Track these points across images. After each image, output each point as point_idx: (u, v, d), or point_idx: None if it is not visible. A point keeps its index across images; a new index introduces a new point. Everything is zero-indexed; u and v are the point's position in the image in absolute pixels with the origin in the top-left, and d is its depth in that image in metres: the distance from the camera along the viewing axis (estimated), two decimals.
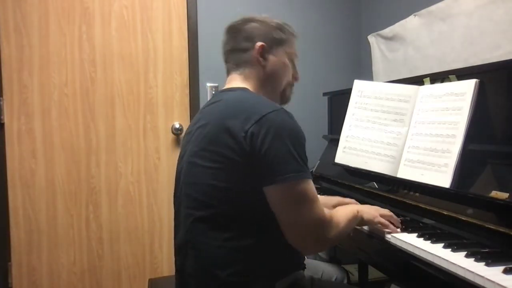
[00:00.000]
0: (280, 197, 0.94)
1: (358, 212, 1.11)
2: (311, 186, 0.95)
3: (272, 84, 1.15)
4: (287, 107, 1.14)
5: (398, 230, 1.15)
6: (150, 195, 2.29)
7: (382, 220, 1.14)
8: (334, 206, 1.45)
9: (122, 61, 2.22)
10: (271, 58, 1.13)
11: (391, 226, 1.14)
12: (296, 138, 0.95)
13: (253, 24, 1.14)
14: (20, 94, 2.08)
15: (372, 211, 1.16)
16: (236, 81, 1.13)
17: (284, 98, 1.21)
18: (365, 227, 1.23)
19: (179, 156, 1.14)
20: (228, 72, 1.18)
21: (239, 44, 1.13)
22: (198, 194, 1.00)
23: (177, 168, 1.14)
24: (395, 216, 1.18)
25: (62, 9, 2.13)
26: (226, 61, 1.18)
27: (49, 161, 2.13)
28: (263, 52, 1.12)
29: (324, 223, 0.96)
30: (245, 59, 1.13)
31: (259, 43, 1.11)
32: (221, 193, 0.97)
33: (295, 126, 0.97)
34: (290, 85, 1.21)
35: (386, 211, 1.18)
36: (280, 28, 1.15)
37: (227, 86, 1.15)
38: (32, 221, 2.11)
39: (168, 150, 2.32)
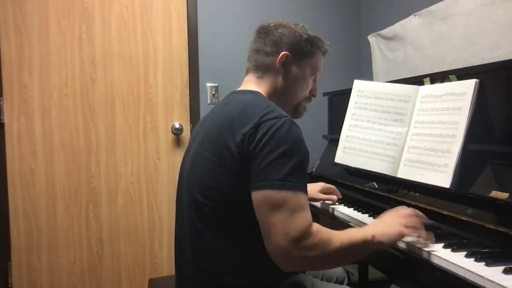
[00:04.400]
0: (259, 204, 0.89)
1: (373, 237, 0.93)
2: (297, 197, 0.88)
3: (287, 95, 1.13)
4: None
5: (440, 245, 0.99)
6: (150, 195, 2.29)
7: (408, 232, 0.98)
8: (320, 192, 1.49)
9: (122, 61, 2.22)
10: (293, 69, 1.11)
11: (421, 238, 0.98)
12: (293, 147, 0.90)
13: (285, 31, 1.11)
14: (20, 94, 2.08)
15: (394, 229, 0.97)
16: (251, 83, 1.12)
17: (296, 112, 1.18)
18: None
19: (185, 153, 1.15)
20: (247, 72, 1.16)
21: (266, 46, 1.11)
22: (198, 194, 0.99)
23: (181, 164, 1.14)
24: (423, 218, 1.02)
25: (62, 9, 2.13)
26: (248, 59, 1.16)
27: (49, 161, 2.13)
28: (286, 62, 1.10)
29: (302, 238, 0.85)
30: (267, 63, 1.11)
31: (284, 52, 1.09)
32: (220, 196, 0.96)
33: (296, 136, 0.92)
34: (306, 100, 1.19)
35: (410, 221, 0.99)
36: (310, 41, 1.13)
37: (241, 87, 1.14)
38: (32, 221, 2.11)
39: (168, 150, 2.32)
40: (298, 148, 0.91)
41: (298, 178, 0.90)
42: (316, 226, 0.89)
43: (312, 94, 1.20)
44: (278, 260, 0.88)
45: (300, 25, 1.15)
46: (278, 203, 0.86)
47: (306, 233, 0.86)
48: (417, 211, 1.04)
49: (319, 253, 0.87)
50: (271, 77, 1.11)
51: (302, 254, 0.86)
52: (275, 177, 0.88)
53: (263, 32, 1.13)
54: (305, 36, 1.12)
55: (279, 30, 1.11)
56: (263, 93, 1.09)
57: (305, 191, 0.91)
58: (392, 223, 0.99)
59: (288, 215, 0.86)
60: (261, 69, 1.12)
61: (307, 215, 0.89)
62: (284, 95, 1.13)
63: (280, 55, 1.09)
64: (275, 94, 1.12)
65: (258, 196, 0.89)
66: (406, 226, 0.98)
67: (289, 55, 1.10)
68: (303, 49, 1.12)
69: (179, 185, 1.12)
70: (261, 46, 1.12)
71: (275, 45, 1.10)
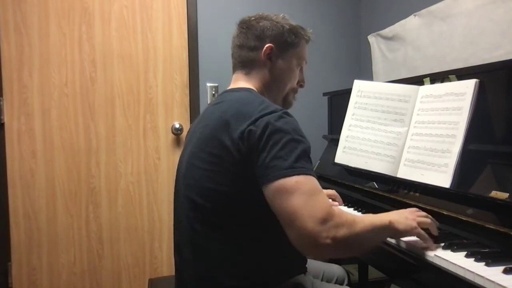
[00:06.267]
0: (273, 195, 0.86)
1: (390, 222, 0.94)
2: (310, 180, 0.87)
3: (276, 88, 1.13)
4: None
5: (440, 245, 0.99)
6: (150, 195, 2.29)
7: (422, 232, 0.98)
8: None
9: (122, 61, 2.22)
10: (279, 61, 1.11)
11: (430, 241, 0.99)
12: (294, 136, 0.90)
13: (266, 23, 1.10)
14: (20, 94, 2.08)
15: (409, 222, 0.97)
16: (241, 81, 1.12)
17: (286, 103, 1.18)
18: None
19: (180, 155, 1.14)
20: (234, 69, 1.15)
21: (249, 41, 1.10)
22: (196, 196, 0.99)
23: (177, 167, 1.14)
24: (433, 222, 1.03)
25: (62, 9, 2.13)
26: (233, 56, 1.15)
27: (49, 161, 2.13)
28: (271, 54, 1.09)
29: (328, 218, 0.82)
30: (252, 58, 1.10)
31: (268, 45, 1.08)
32: (219, 196, 0.95)
33: (295, 127, 0.93)
34: (294, 90, 1.18)
35: (423, 219, 1.01)
36: (293, 31, 1.12)
37: (232, 86, 1.13)
38: (32, 221, 2.11)
39: (168, 150, 2.32)
40: (299, 137, 0.91)
41: (305, 163, 0.89)
42: (337, 208, 0.88)
43: (300, 85, 1.20)
44: (306, 247, 0.85)
45: (281, 16, 1.14)
46: (292, 189, 0.84)
47: (330, 213, 0.83)
48: (430, 217, 1.04)
49: (347, 232, 0.84)
50: (259, 71, 1.11)
51: (331, 234, 0.82)
52: (283, 166, 0.86)
53: (245, 26, 1.12)
54: (287, 26, 1.11)
55: (260, 24, 1.10)
56: (254, 88, 1.09)
57: (315, 176, 0.90)
58: (409, 216, 0.99)
59: (307, 198, 0.84)
60: (247, 65, 1.11)
61: (325, 197, 0.87)
62: (274, 88, 1.13)
63: (264, 47, 1.08)
64: (265, 88, 1.11)
65: (270, 188, 0.87)
66: (420, 225, 0.98)
67: (273, 47, 1.09)
68: (286, 40, 1.11)
69: (176, 188, 1.12)
70: (244, 42, 1.11)
71: (258, 39, 1.09)
